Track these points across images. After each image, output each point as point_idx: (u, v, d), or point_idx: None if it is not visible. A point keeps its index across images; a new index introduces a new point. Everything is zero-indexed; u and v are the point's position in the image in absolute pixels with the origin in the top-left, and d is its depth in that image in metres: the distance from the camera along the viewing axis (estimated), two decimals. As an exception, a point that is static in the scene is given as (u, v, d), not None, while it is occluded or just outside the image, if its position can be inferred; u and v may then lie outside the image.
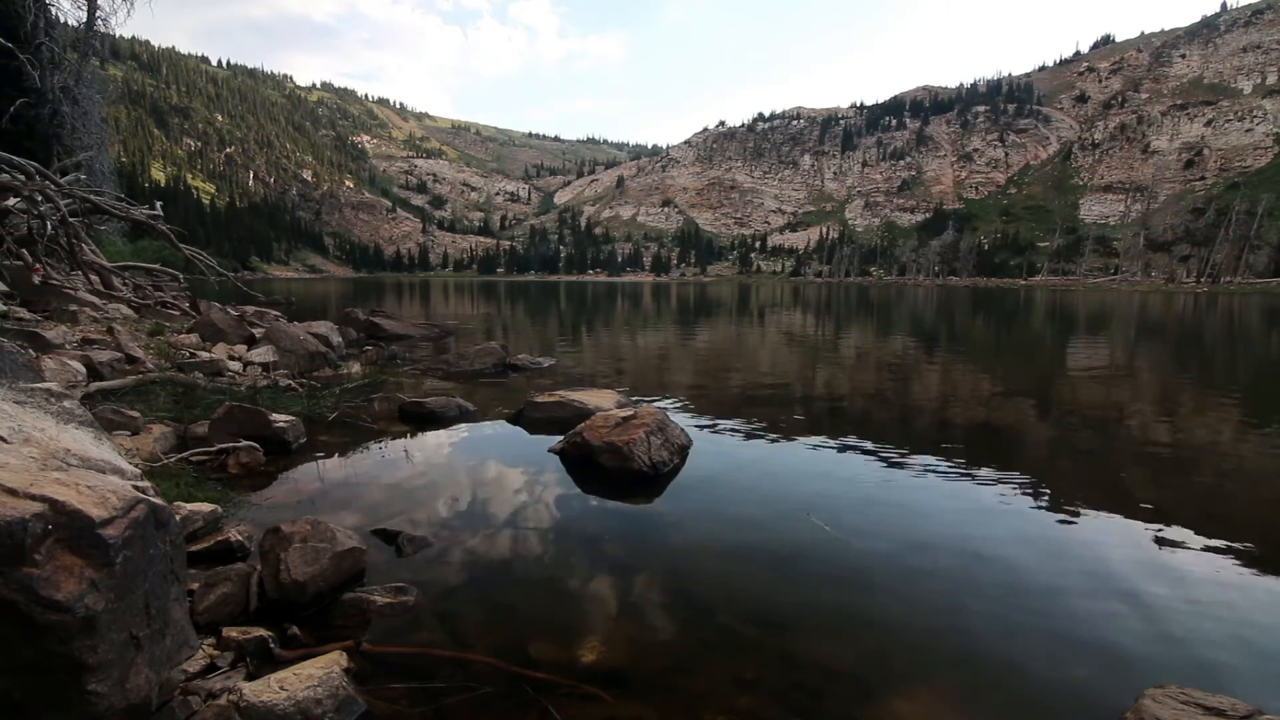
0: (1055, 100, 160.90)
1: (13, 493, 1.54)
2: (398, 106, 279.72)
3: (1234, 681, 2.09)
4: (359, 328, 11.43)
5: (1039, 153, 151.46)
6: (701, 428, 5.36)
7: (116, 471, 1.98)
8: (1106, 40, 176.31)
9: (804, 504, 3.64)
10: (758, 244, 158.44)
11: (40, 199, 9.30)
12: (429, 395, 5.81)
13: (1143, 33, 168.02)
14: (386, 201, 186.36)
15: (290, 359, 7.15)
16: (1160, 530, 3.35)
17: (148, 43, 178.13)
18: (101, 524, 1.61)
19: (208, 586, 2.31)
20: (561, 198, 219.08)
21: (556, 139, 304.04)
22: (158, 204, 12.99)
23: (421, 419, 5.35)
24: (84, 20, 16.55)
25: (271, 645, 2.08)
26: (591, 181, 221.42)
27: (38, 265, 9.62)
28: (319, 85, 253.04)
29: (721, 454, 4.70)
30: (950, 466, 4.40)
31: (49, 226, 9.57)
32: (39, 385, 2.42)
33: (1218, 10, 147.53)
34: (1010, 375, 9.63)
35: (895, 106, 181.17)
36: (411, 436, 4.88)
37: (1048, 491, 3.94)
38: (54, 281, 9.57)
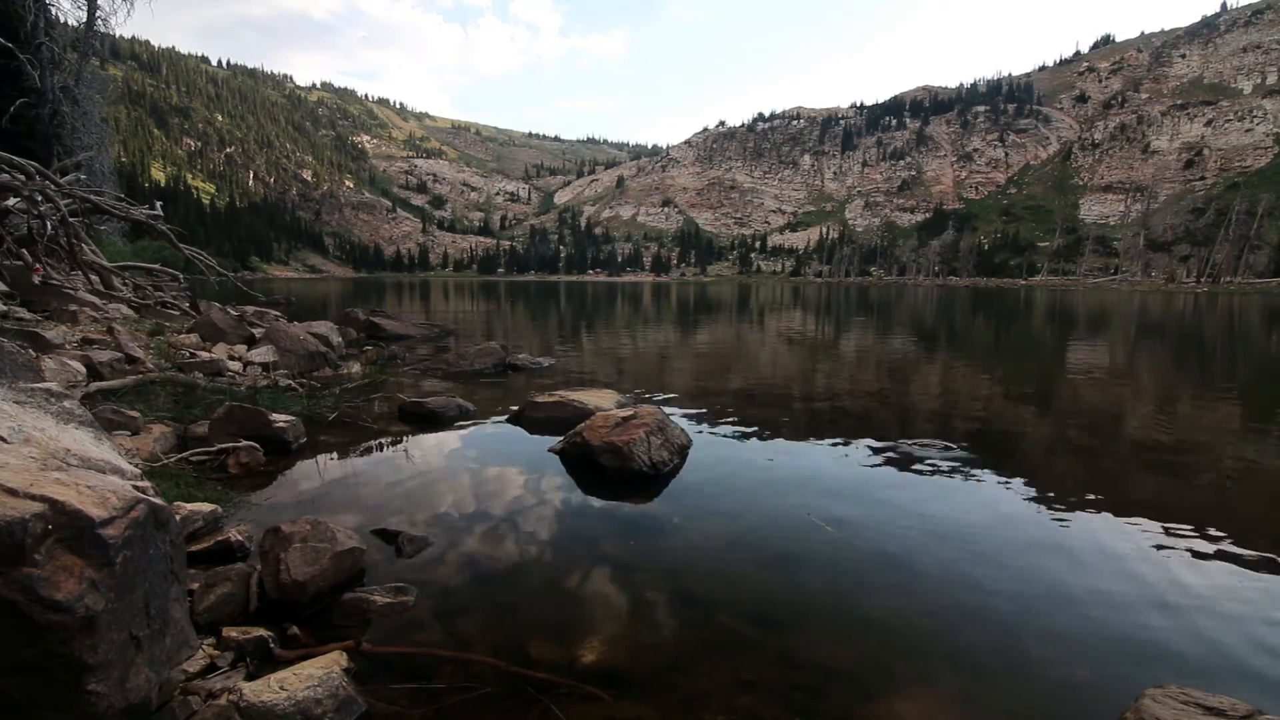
0: (1055, 100, 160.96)
1: (13, 493, 1.54)
2: (398, 106, 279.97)
3: (1234, 681, 2.09)
4: (359, 328, 11.43)
5: (1039, 153, 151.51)
6: (701, 428, 5.36)
7: (116, 471, 1.98)
8: (1106, 40, 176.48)
9: (804, 504, 3.64)
10: (758, 244, 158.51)
11: (40, 199, 9.31)
12: (429, 395, 5.81)
13: (1143, 33, 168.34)
14: (386, 201, 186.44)
15: (290, 359, 7.15)
16: (1160, 529, 3.35)
17: (148, 43, 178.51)
18: (101, 524, 1.61)
19: (208, 586, 2.31)
20: (561, 198, 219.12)
21: (556, 139, 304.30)
22: (158, 204, 13.00)
23: (421, 419, 5.34)
24: (84, 20, 16.59)
25: (271, 645, 2.08)
26: (591, 181, 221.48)
27: (38, 265, 9.63)
28: (319, 85, 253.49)
29: (721, 454, 4.69)
30: (951, 466, 4.40)
31: (49, 226, 9.58)
32: (39, 385, 2.42)
33: (1218, 10, 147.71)
34: (1011, 375, 9.62)
35: (895, 106, 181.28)
36: (411, 436, 4.88)
37: (1048, 491, 3.93)
38: (54, 281, 9.58)
